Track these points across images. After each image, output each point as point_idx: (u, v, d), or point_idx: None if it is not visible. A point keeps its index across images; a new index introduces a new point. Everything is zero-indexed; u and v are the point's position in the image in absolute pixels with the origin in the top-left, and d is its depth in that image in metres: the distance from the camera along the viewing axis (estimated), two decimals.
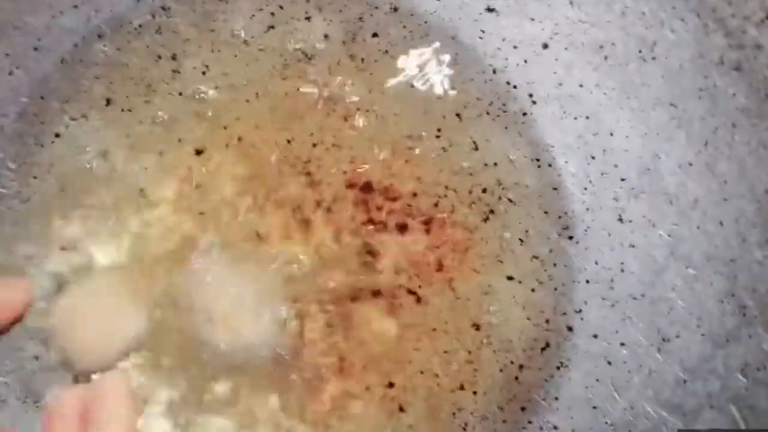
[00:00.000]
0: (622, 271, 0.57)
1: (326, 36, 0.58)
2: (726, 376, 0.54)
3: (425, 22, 0.59)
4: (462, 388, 0.56)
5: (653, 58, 0.58)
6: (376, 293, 0.56)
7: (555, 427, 0.56)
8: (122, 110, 0.56)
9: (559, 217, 0.58)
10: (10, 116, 0.56)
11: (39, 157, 0.56)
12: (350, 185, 0.57)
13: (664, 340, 0.56)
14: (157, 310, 0.52)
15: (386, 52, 0.58)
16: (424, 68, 0.59)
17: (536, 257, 0.57)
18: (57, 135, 0.56)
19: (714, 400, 0.54)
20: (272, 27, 0.58)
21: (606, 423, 0.55)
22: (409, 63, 0.59)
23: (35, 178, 0.55)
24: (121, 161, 0.56)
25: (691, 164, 0.57)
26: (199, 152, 0.56)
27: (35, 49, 0.57)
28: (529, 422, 0.56)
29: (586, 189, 0.58)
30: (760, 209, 0.55)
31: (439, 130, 0.58)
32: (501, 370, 0.56)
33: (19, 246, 0.54)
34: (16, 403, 0.53)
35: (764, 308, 0.54)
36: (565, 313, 0.57)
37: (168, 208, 0.55)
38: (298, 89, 0.57)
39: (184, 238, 0.54)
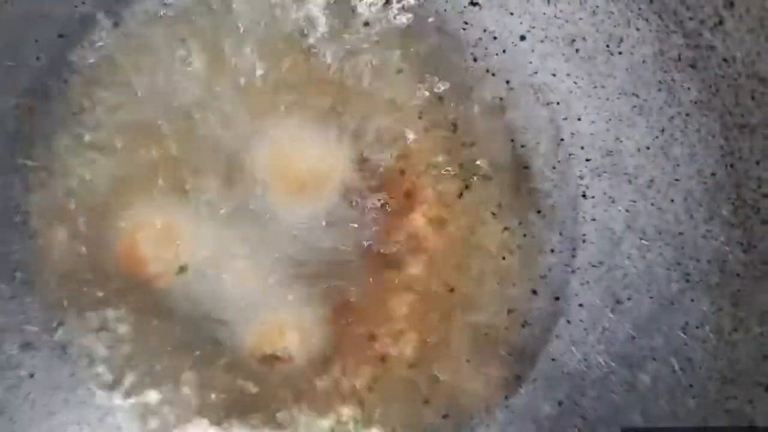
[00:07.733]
0: (584, 241, 0.62)
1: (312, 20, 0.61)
2: (669, 333, 0.61)
3: (413, 14, 0.62)
4: (435, 343, 0.61)
5: (619, 53, 0.61)
6: (361, 259, 0.61)
7: (518, 377, 0.62)
8: (137, 94, 0.60)
9: (529, 193, 0.62)
10: (39, 98, 0.59)
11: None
12: None
13: (617, 302, 0.61)
14: None
15: (377, 42, 0.61)
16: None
17: (507, 228, 0.62)
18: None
19: (657, 353, 0.61)
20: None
21: (563, 372, 0.62)
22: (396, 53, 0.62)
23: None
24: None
25: (648, 148, 0.61)
26: None
27: (60, 36, 0.59)
28: (495, 373, 0.62)
29: (554, 168, 0.62)
30: (707, 190, 0.61)
31: (420, 112, 0.61)
32: (470, 328, 0.62)
33: None
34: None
35: (705, 276, 0.61)
36: (530, 279, 0.62)
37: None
38: (296, 73, 0.61)
39: None
